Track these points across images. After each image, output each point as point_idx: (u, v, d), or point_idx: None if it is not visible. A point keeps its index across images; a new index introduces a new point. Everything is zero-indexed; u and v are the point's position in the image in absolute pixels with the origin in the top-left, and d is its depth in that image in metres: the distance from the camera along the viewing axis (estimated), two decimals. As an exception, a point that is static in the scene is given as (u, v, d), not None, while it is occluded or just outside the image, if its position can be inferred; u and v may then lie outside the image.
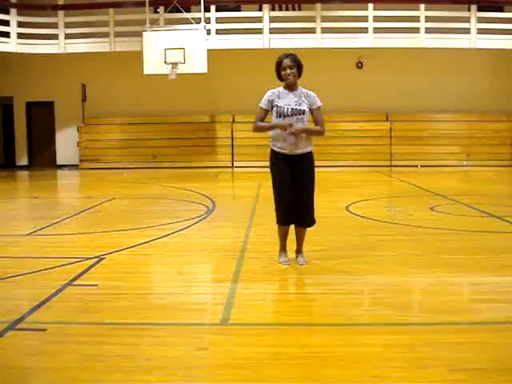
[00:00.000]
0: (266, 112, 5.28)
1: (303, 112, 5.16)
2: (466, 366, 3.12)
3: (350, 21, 16.71)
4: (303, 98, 5.21)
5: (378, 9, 16.73)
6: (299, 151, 5.22)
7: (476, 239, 6.57)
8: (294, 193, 5.23)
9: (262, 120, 5.31)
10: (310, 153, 5.34)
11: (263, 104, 5.26)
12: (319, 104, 5.25)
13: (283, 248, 5.48)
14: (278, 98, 5.21)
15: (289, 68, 5.14)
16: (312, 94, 5.29)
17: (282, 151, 5.24)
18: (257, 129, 5.33)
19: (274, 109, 5.20)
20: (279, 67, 5.21)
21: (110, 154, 18.31)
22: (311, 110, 5.24)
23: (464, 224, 7.48)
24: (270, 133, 5.32)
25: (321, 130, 5.26)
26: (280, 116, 5.16)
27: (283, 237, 5.45)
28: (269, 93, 5.28)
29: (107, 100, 18.58)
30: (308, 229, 5.44)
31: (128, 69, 17.43)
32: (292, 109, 5.14)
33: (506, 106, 17.89)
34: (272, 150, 5.33)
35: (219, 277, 5.16)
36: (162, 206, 9.93)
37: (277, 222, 5.39)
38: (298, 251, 5.51)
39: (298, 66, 5.21)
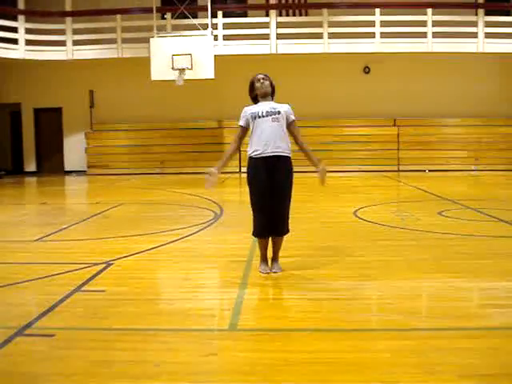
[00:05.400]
0: (246, 130, 5.25)
1: (278, 112, 5.11)
2: (475, 372, 3.09)
3: (356, 26, 16.73)
4: (278, 106, 5.17)
5: (385, 14, 16.75)
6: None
7: (485, 244, 6.53)
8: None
9: (241, 138, 5.32)
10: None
11: (242, 122, 5.23)
12: (294, 118, 5.21)
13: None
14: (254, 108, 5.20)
15: (262, 79, 5.21)
16: (286, 105, 5.25)
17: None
18: (228, 150, 5.38)
19: (250, 115, 5.14)
20: (253, 85, 5.24)
21: (117, 159, 18.38)
22: (287, 123, 5.16)
23: (473, 229, 7.45)
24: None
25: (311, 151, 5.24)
26: (255, 118, 5.11)
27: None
28: (245, 109, 5.25)
29: (115, 106, 18.67)
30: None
31: (135, 75, 17.52)
32: (267, 111, 5.10)
33: (514, 111, 17.83)
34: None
35: (227, 283, 5.15)
36: (170, 211, 9.94)
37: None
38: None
39: (271, 85, 5.26)
